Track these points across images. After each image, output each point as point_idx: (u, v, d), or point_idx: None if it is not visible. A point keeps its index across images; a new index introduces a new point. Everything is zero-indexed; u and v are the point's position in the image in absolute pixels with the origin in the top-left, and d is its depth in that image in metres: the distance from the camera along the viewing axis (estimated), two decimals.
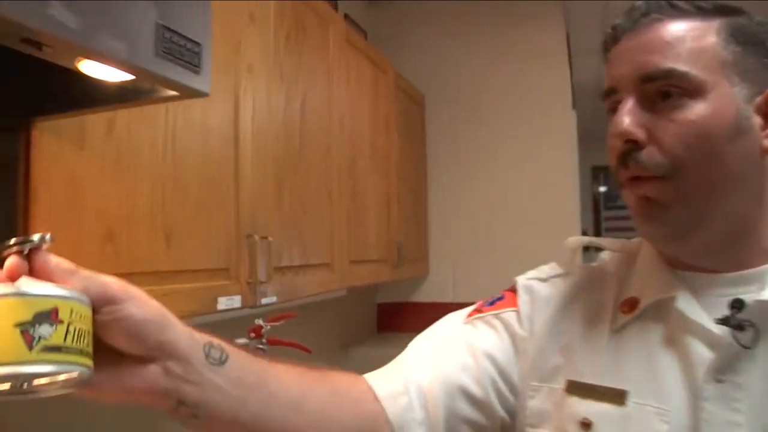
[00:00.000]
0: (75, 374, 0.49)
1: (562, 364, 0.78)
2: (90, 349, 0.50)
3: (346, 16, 3.08)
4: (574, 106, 3.54)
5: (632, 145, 0.68)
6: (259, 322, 1.75)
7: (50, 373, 0.47)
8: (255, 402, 0.65)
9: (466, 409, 0.79)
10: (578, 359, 0.77)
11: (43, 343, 0.45)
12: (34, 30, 0.60)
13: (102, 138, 1.09)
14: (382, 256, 2.63)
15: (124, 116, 1.12)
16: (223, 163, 1.44)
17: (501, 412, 0.80)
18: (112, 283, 0.55)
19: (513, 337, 0.83)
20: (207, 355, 0.61)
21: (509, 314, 0.85)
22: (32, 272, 0.51)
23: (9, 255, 0.50)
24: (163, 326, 0.58)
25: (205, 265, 1.35)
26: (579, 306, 0.81)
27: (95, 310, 0.52)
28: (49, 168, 1.02)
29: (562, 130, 3.48)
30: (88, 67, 0.74)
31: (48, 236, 0.51)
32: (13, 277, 0.49)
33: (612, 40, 0.74)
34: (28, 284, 0.48)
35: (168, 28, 0.74)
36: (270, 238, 1.56)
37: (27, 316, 0.45)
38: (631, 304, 0.76)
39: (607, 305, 0.79)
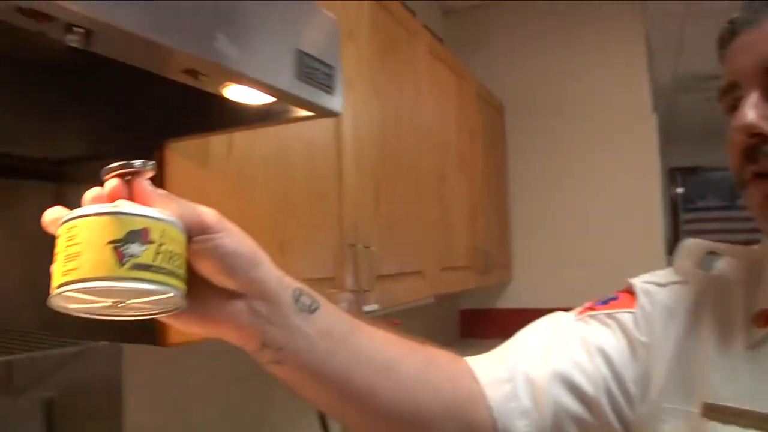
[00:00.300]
0: (167, 295, 0.50)
1: (695, 384, 0.71)
2: (182, 273, 0.51)
3: (424, 26, 3.13)
4: (654, 108, 3.48)
5: (758, 140, 0.64)
6: None
7: (139, 290, 0.48)
8: (342, 357, 0.63)
9: (574, 406, 0.74)
10: (713, 379, 0.69)
11: (133, 260, 0.47)
12: (200, 62, 0.67)
13: (223, 157, 1.17)
14: (468, 262, 2.66)
15: (242, 136, 1.19)
16: (327, 176, 1.50)
17: (611, 416, 0.74)
18: (207, 212, 0.55)
19: (630, 339, 0.77)
20: (296, 300, 0.59)
21: (625, 315, 0.79)
22: (131, 197, 0.52)
23: (110, 178, 0.52)
24: (255, 263, 0.57)
25: (314, 274, 1.42)
26: (706, 319, 0.75)
27: (189, 239, 0.53)
28: (179, 185, 1.09)
29: (643, 134, 3.43)
30: (232, 92, 0.80)
31: (150, 163, 0.53)
32: (112, 199, 0.51)
33: (729, 34, 0.69)
34: (123, 204, 0.49)
35: (306, 54, 0.80)
36: (372, 248, 1.61)
37: (119, 234, 0.47)
38: (766, 317, 0.69)
39: (737, 318, 0.72)
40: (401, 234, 1.93)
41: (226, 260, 0.55)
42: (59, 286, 0.48)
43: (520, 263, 3.55)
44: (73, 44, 0.60)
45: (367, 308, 1.62)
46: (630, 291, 0.83)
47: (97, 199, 0.52)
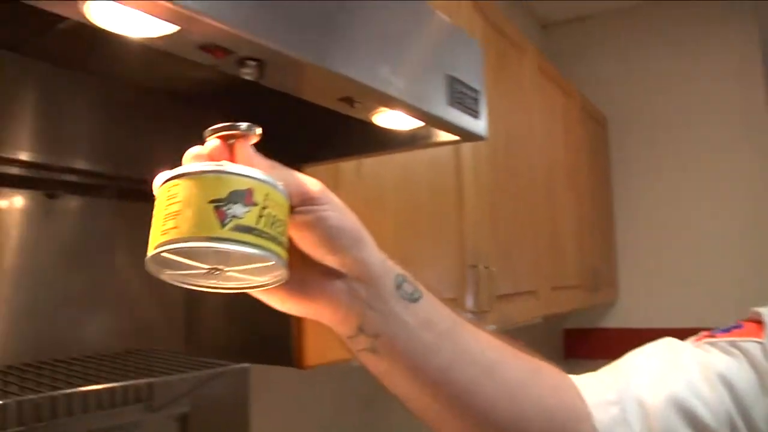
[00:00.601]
0: (269, 263, 0.47)
1: None
2: (285, 241, 0.48)
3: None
4: None
5: None
6: None
7: (240, 253, 0.45)
8: (444, 353, 0.57)
9: None
10: None
11: (235, 221, 0.44)
12: (364, 90, 0.68)
13: (353, 179, 1.18)
14: (577, 281, 2.60)
15: (370, 159, 1.21)
16: (448, 197, 1.50)
17: None
18: (312, 182, 0.52)
19: (759, 371, 0.69)
20: (398, 287, 0.55)
21: (752, 345, 0.71)
22: (234, 160, 0.50)
23: (213, 138, 0.51)
24: (358, 242, 0.53)
25: (437, 295, 1.41)
26: None
27: (291, 209, 0.50)
28: None
29: (759, 144, 3.20)
30: (382, 118, 0.81)
31: (256, 128, 0.51)
32: (212, 159, 0.49)
33: None
34: (226, 164, 0.47)
35: (456, 79, 0.80)
36: (491, 268, 1.59)
37: (222, 193, 0.45)
38: None
39: None
40: (516, 253, 1.90)
41: (329, 234, 0.51)
42: (156, 247, 0.45)
43: (627, 282, 3.44)
44: (247, 77, 0.62)
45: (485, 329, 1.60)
46: (756, 320, 0.74)
47: (198, 158, 0.50)
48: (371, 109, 0.76)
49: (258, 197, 0.46)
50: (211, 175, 0.46)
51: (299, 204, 0.50)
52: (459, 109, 0.81)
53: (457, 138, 0.87)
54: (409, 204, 1.32)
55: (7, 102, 1.04)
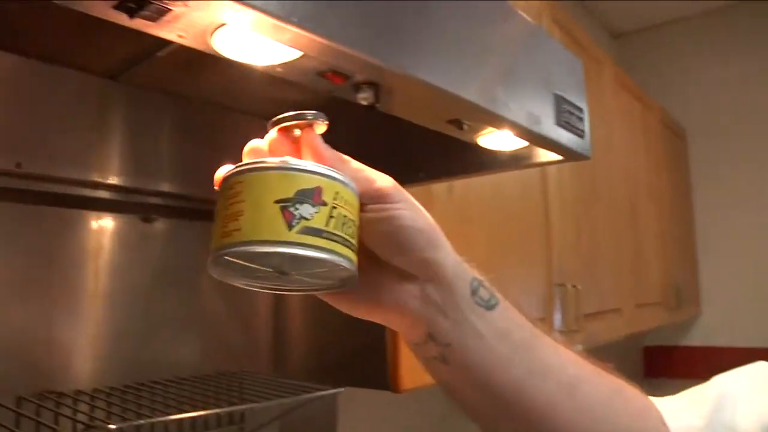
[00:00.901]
0: (338, 268, 0.43)
1: None
2: (355, 243, 0.44)
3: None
4: None
5: None
6: None
7: (308, 258, 0.41)
8: (520, 367, 0.52)
9: None
10: None
11: (303, 223, 0.40)
12: (478, 112, 0.66)
13: (445, 198, 1.17)
14: (660, 298, 2.52)
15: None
16: (535, 214, 1.47)
17: None
18: (384, 178, 0.49)
19: None
20: (474, 292, 0.51)
21: None
22: (299, 152, 0.47)
23: (280, 129, 0.48)
24: (432, 242, 0.49)
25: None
26: None
27: (362, 207, 0.46)
28: None
29: None
30: (486, 139, 0.79)
31: (323, 119, 0.47)
32: (273, 153, 0.46)
33: None
34: (292, 159, 0.43)
35: (563, 98, 0.77)
36: (579, 286, 1.55)
37: (288, 192, 0.41)
38: None
39: None
40: (601, 271, 1.85)
41: (402, 235, 0.47)
42: (218, 250, 0.42)
43: (709, 298, 3.31)
44: (363, 102, 0.61)
45: (573, 349, 1.55)
46: None
47: (255, 153, 0.48)
48: (478, 130, 0.74)
49: (327, 196, 0.42)
50: (277, 171, 0.42)
51: (370, 201, 0.47)
52: (566, 128, 0.78)
53: (560, 158, 0.84)
54: (498, 223, 1.30)
55: (101, 127, 1.07)
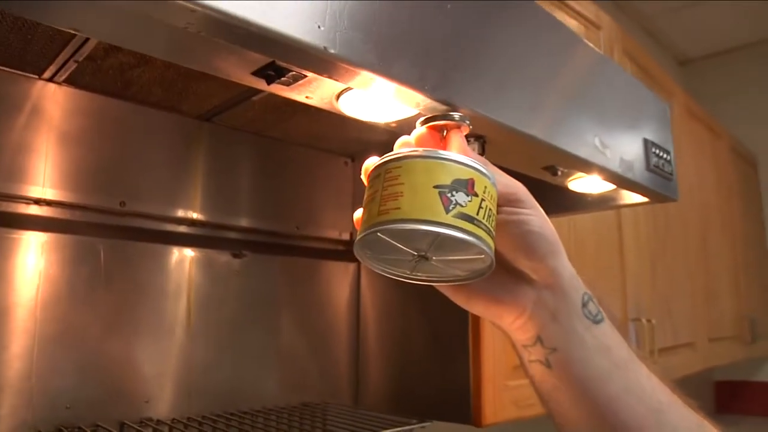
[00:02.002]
0: (482, 255, 0.46)
1: None
2: (494, 234, 0.46)
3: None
4: None
5: None
6: None
7: (461, 241, 0.43)
8: (618, 384, 0.54)
9: None
10: None
11: (459, 209, 0.43)
12: (570, 160, 0.68)
13: None
14: (734, 332, 2.46)
15: None
16: (610, 248, 1.47)
17: None
18: (519, 185, 0.52)
19: None
20: (584, 305, 0.53)
21: None
22: (446, 149, 0.50)
23: (429, 126, 0.51)
24: (555, 251, 0.53)
25: None
26: None
27: (497, 209, 0.49)
28: None
29: None
30: (577, 183, 0.80)
31: (469, 122, 0.51)
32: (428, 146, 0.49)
33: None
34: (446, 152, 0.46)
35: (652, 143, 0.79)
36: (653, 321, 1.54)
37: (446, 180, 0.44)
38: None
39: None
40: (675, 304, 1.83)
41: (529, 239, 0.51)
42: (374, 226, 0.44)
43: None
44: None
45: None
46: None
47: (406, 146, 0.51)
48: (571, 175, 0.76)
49: (478, 188, 0.45)
50: (435, 160, 0.45)
51: (505, 204, 0.50)
52: (655, 172, 0.80)
53: (646, 200, 0.85)
54: (574, 258, 1.30)
55: (192, 167, 1.13)
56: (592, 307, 0.54)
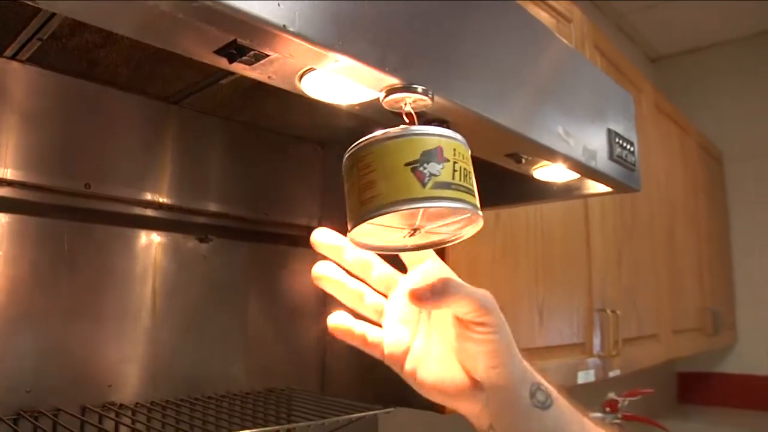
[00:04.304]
0: (465, 215, 0.49)
1: None
2: (475, 189, 0.49)
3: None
4: None
5: None
6: (612, 396, 1.75)
7: (445, 208, 0.46)
8: None
9: None
10: None
11: (434, 179, 0.45)
12: (534, 147, 0.69)
13: (492, 226, 1.19)
14: (697, 324, 2.50)
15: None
16: (577, 240, 1.48)
17: None
18: (487, 300, 0.55)
19: None
20: (532, 395, 0.58)
21: None
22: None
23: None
24: (513, 356, 0.57)
25: (567, 340, 1.39)
26: None
27: (463, 324, 0.55)
28: (454, 252, 1.12)
29: None
30: (541, 172, 0.81)
31: (431, 93, 0.52)
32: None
33: None
34: (410, 127, 0.47)
35: (616, 133, 0.80)
36: (618, 312, 1.56)
37: (415, 154, 0.45)
38: None
39: None
40: (639, 296, 1.86)
41: (496, 352, 0.55)
42: (361, 217, 0.46)
43: (748, 324, 3.26)
44: None
45: (611, 374, 1.56)
46: None
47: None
48: (535, 163, 0.77)
49: (448, 153, 0.47)
50: (400, 138, 0.46)
51: (472, 322, 0.54)
52: (618, 162, 0.81)
53: (610, 190, 0.86)
54: (541, 250, 1.32)
55: (160, 150, 1.12)
56: (540, 395, 0.58)
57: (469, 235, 0.53)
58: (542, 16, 1.52)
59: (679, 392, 3.44)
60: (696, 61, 3.60)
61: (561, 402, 0.61)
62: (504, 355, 0.56)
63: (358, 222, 0.46)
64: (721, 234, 3.16)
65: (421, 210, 0.47)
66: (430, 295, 0.51)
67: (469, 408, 0.59)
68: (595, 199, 1.57)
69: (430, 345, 0.59)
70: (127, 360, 1.05)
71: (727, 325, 3.08)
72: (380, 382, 1.20)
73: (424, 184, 0.45)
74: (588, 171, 0.77)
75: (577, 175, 0.81)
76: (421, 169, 0.45)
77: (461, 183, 0.46)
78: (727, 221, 3.32)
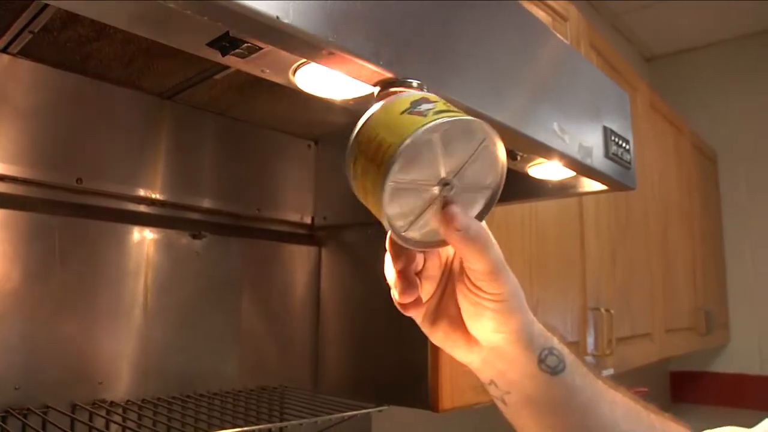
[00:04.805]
0: (485, 134, 0.47)
1: None
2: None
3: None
4: None
5: None
6: None
7: (459, 123, 0.45)
8: (575, 423, 0.57)
9: None
10: None
11: (432, 110, 0.45)
12: (530, 145, 0.68)
13: (486, 223, 1.18)
14: (690, 323, 2.51)
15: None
16: (572, 239, 1.48)
17: None
18: (497, 256, 0.53)
19: None
20: (541, 360, 0.55)
21: None
22: None
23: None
24: (526, 313, 0.54)
25: None
26: None
27: (473, 287, 0.52)
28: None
29: None
30: (536, 169, 0.81)
31: (426, 88, 0.51)
32: None
33: None
34: (394, 95, 0.48)
35: (612, 131, 0.80)
36: (611, 311, 1.56)
37: (405, 105, 0.46)
38: None
39: None
40: (634, 295, 1.86)
41: (501, 320, 0.52)
42: (382, 180, 0.44)
43: (740, 323, 3.27)
44: None
45: (604, 372, 1.56)
46: None
47: None
48: (530, 161, 0.77)
49: (432, 98, 0.47)
50: (387, 104, 0.46)
51: (478, 281, 0.52)
52: (614, 160, 0.80)
53: (605, 188, 0.86)
54: (536, 248, 1.32)
55: (154, 146, 1.11)
56: (552, 360, 0.55)
57: (500, 187, 0.51)
58: (539, 14, 1.51)
59: (672, 391, 3.45)
60: (690, 61, 3.60)
61: (576, 368, 0.57)
62: (508, 321, 0.53)
63: (381, 186, 0.44)
64: (714, 234, 3.17)
65: (440, 153, 0.46)
66: (460, 226, 0.48)
67: (471, 360, 0.57)
68: (590, 198, 1.56)
69: (447, 303, 0.56)
70: (119, 357, 1.04)
71: (720, 324, 3.09)
72: (373, 380, 1.20)
73: (425, 115, 0.44)
74: (583, 168, 0.77)
75: (572, 173, 0.80)
76: (417, 109, 0.45)
77: (454, 110, 0.47)
78: (720, 221, 3.33)
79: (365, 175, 0.46)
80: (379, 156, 0.44)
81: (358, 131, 0.47)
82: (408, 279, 0.53)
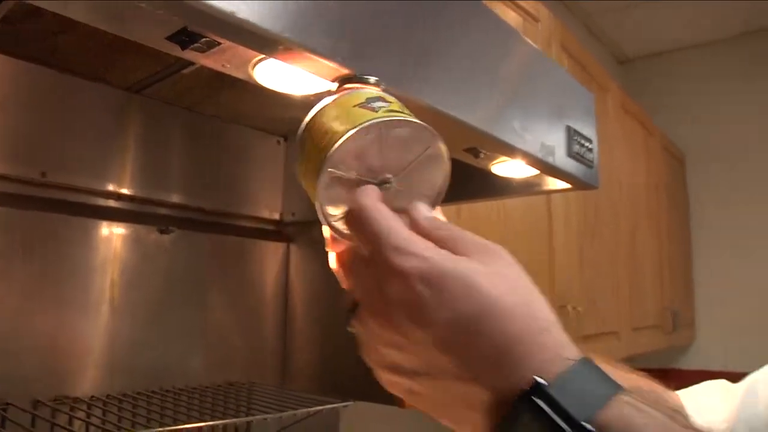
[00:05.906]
0: (431, 138, 0.48)
1: None
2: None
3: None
4: None
5: None
6: None
7: (405, 124, 0.45)
8: None
9: None
10: None
11: (384, 108, 0.45)
12: (491, 142, 0.69)
13: (453, 220, 1.19)
14: (656, 321, 2.54)
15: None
16: (540, 235, 1.49)
17: None
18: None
19: None
20: None
21: None
22: None
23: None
24: None
25: None
26: None
27: None
28: None
29: None
30: (500, 167, 0.82)
31: (384, 85, 0.51)
32: None
33: None
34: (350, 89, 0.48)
35: (575, 130, 0.81)
36: (579, 309, 1.58)
37: (361, 99, 0.46)
38: None
39: None
40: (600, 293, 1.88)
41: None
42: (320, 166, 0.44)
43: (706, 322, 3.33)
44: None
45: None
46: None
47: None
48: (493, 158, 0.77)
49: (389, 98, 0.48)
50: (343, 96, 0.47)
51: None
52: (576, 159, 0.81)
53: (569, 186, 0.87)
54: (503, 245, 1.33)
55: (120, 140, 1.10)
56: None
57: (441, 178, 0.51)
58: (510, 15, 1.52)
59: None
60: (662, 65, 3.66)
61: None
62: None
63: (322, 167, 0.44)
64: (682, 234, 3.22)
65: (385, 152, 0.45)
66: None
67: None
68: (559, 197, 1.58)
69: None
70: (84, 352, 1.03)
71: (686, 323, 3.14)
72: (341, 375, 1.20)
73: (376, 111, 0.45)
74: (545, 167, 0.78)
75: (535, 171, 0.81)
76: (370, 105, 0.45)
77: (409, 113, 0.47)
78: (688, 222, 3.38)
79: (309, 160, 0.46)
80: (324, 142, 0.44)
81: (311, 117, 0.47)
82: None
